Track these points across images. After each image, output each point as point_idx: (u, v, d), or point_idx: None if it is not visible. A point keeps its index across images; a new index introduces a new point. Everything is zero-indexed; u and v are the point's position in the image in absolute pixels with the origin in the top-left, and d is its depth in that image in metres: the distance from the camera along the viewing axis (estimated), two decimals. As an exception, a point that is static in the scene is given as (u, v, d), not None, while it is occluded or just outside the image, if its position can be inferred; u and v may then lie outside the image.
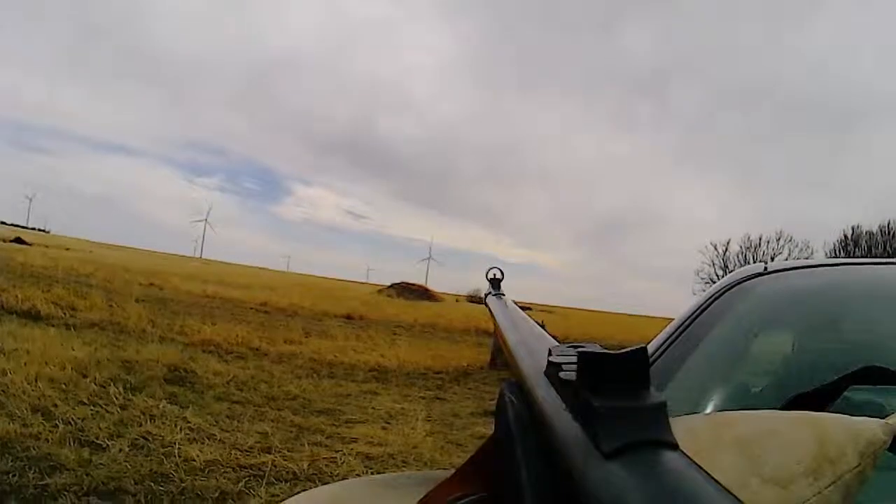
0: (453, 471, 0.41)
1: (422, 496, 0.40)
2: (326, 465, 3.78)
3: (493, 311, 0.62)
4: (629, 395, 0.22)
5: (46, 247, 30.49)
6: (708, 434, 0.47)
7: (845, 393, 0.73)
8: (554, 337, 0.41)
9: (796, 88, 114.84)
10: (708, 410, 0.87)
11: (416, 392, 6.92)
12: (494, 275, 0.76)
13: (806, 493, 0.41)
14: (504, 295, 0.70)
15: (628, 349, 0.23)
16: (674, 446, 0.21)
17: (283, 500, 0.55)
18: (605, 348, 0.26)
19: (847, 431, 0.45)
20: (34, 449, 3.20)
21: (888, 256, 19.61)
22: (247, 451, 3.81)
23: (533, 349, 0.37)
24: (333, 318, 15.20)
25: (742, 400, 1.00)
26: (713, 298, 1.17)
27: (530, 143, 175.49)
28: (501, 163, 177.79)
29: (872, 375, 0.71)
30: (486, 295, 0.72)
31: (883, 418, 0.47)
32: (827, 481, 0.42)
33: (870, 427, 0.46)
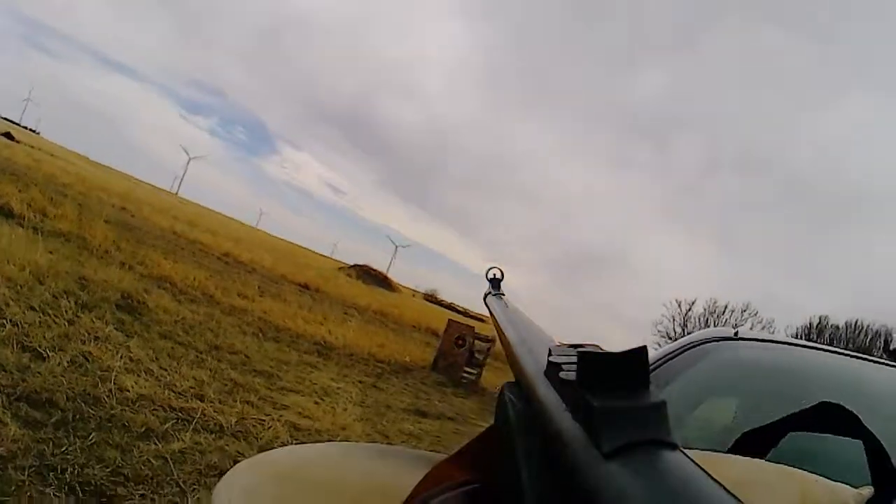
0: (445, 455, 0.43)
1: (409, 470, 0.42)
2: (254, 426, 3.81)
3: (492, 310, 0.62)
4: (629, 394, 0.22)
5: (32, 147, 29.78)
6: None
7: (784, 439, 0.76)
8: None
9: (795, 169, 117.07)
10: None
11: (355, 375, 6.99)
12: (494, 275, 0.76)
13: None
14: (504, 295, 0.70)
15: (628, 349, 0.23)
16: (673, 446, 0.21)
17: (254, 453, 0.61)
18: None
19: (827, 493, 0.51)
20: (-24, 344, 3.21)
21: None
22: (180, 393, 3.85)
23: (533, 349, 0.36)
24: (290, 283, 15.15)
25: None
26: (680, 352, 1.20)
27: (521, 161, 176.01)
28: (488, 175, 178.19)
29: (812, 420, 0.72)
30: (486, 295, 0.72)
31: (856, 488, 0.53)
32: None
33: (844, 493, 0.52)
